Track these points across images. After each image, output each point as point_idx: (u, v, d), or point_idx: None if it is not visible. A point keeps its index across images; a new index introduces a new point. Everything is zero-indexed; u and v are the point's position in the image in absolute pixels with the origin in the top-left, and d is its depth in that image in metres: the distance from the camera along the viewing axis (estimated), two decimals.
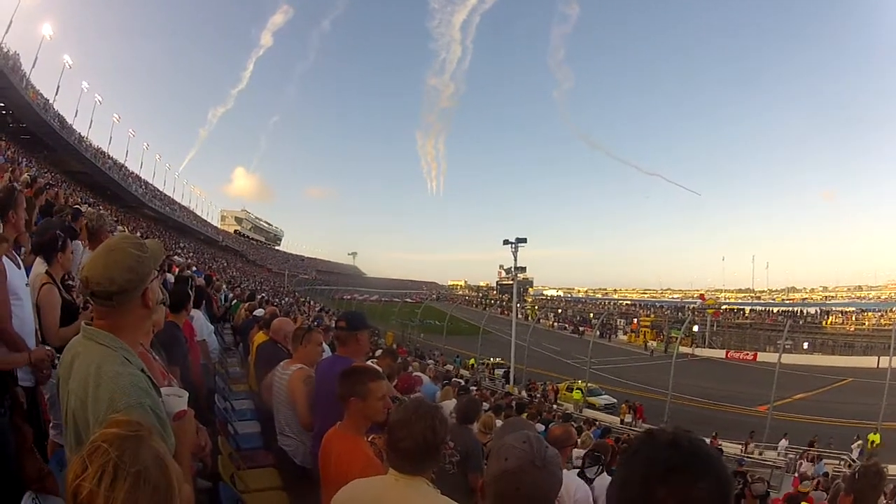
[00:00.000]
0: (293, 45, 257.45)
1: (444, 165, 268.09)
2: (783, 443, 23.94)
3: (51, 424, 4.35)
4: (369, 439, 3.64)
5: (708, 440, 23.87)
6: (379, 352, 9.78)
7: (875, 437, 24.30)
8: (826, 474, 17.56)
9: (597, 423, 27.17)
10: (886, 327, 60.33)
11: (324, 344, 6.11)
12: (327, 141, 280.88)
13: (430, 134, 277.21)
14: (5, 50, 47.94)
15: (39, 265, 4.86)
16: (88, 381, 2.15)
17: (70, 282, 5.17)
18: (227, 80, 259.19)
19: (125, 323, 2.35)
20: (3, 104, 50.14)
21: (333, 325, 6.66)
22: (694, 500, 1.25)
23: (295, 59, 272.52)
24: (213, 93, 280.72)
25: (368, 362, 6.55)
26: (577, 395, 35.47)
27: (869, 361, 48.44)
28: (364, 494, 2.82)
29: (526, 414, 15.64)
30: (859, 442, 24.89)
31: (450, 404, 8.84)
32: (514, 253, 44.54)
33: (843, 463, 22.47)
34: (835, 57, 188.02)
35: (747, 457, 23.55)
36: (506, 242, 44.66)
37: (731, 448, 24.31)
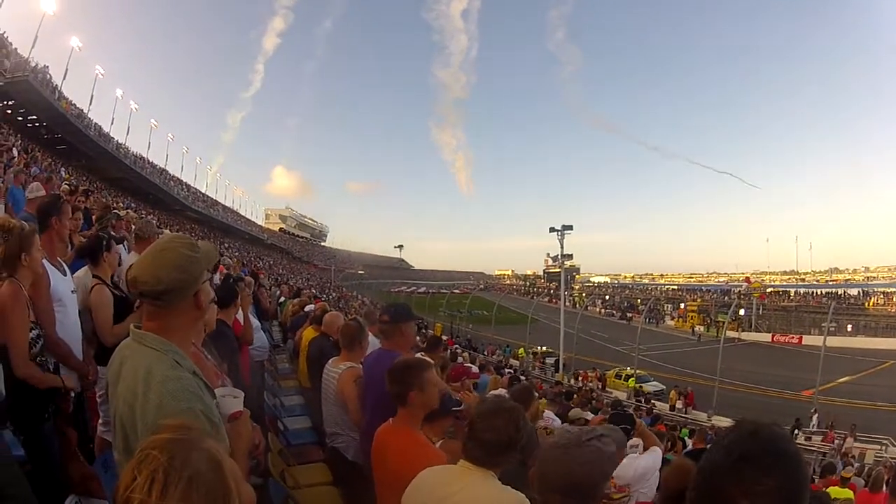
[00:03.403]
0: (300, 45, 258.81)
1: (472, 155, 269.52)
2: None
3: (100, 421, 4.39)
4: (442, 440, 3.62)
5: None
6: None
7: None
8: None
9: (653, 406, 27.12)
10: None
11: (371, 336, 6.09)
12: (358, 136, 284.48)
13: (451, 124, 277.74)
14: (34, 64, 48.99)
15: (83, 273, 4.93)
16: (137, 386, 2.12)
17: (117, 279, 5.23)
18: (240, 85, 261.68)
19: (176, 324, 2.31)
20: (35, 116, 51.10)
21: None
22: (759, 495, 1.29)
23: (305, 59, 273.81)
24: (231, 97, 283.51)
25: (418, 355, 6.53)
26: (631, 382, 35.57)
27: None
28: (435, 484, 2.82)
29: (574, 401, 15.58)
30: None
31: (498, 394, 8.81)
32: (561, 240, 44.17)
33: (883, 447, 22.19)
34: (871, 29, 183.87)
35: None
36: (552, 230, 44.28)
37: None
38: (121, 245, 7.07)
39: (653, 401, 30.93)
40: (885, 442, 22.99)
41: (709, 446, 1.50)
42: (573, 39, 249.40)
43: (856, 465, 17.98)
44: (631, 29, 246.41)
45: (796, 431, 24.25)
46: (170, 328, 2.29)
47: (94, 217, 10.81)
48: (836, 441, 22.95)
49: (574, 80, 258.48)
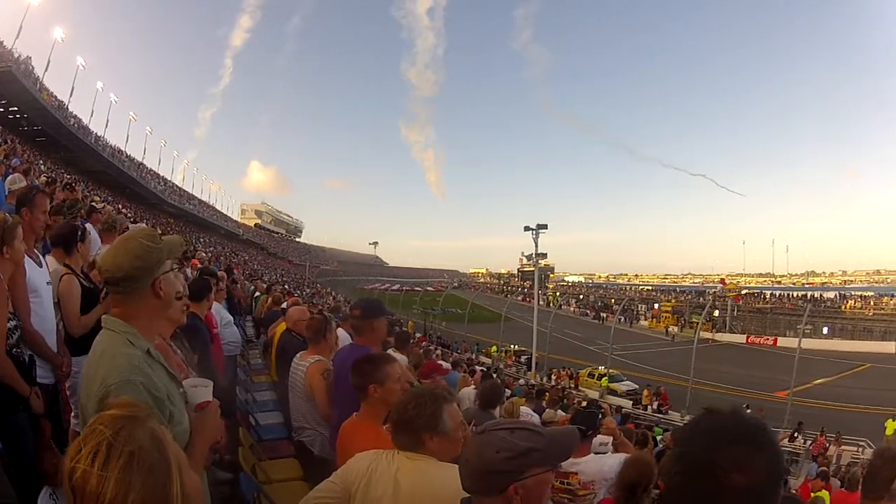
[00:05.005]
0: (268, 42, 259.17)
1: (446, 154, 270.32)
2: None
3: (73, 413, 4.39)
4: (385, 427, 3.63)
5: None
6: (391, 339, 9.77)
7: (893, 424, 24.22)
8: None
9: (622, 409, 27.26)
10: None
11: (340, 331, 6.11)
12: (332, 133, 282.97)
13: (421, 122, 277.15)
14: (16, 55, 48.76)
15: (54, 262, 4.91)
16: (91, 364, 2.26)
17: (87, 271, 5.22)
18: (210, 81, 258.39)
19: (137, 311, 2.40)
20: (16, 108, 51.05)
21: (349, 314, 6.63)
22: (754, 470, 1.36)
23: (274, 55, 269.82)
24: (202, 92, 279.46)
25: (389, 351, 6.55)
26: (604, 382, 35.61)
27: (887, 346, 48.82)
28: (383, 468, 2.81)
29: (545, 399, 15.63)
30: (749, 410, 25.17)
31: (468, 391, 8.86)
32: (535, 239, 44.05)
33: (860, 449, 22.40)
34: (857, 32, 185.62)
35: None
36: (527, 229, 44.12)
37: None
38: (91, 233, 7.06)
39: (622, 405, 31.13)
40: (862, 444, 23.26)
41: (682, 434, 1.56)
42: (540, 39, 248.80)
43: (832, 466, 18.19)
44: (602, 29, 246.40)
45: (795, 434, 24.45)
46: (131, 315, 2.40)
47: (67, 206, 10.77)
48: (830, 445, 23.13)
49: (544, 79, 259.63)
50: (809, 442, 23.50)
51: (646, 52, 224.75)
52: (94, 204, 13.17)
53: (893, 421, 24.32)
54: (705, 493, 1.38)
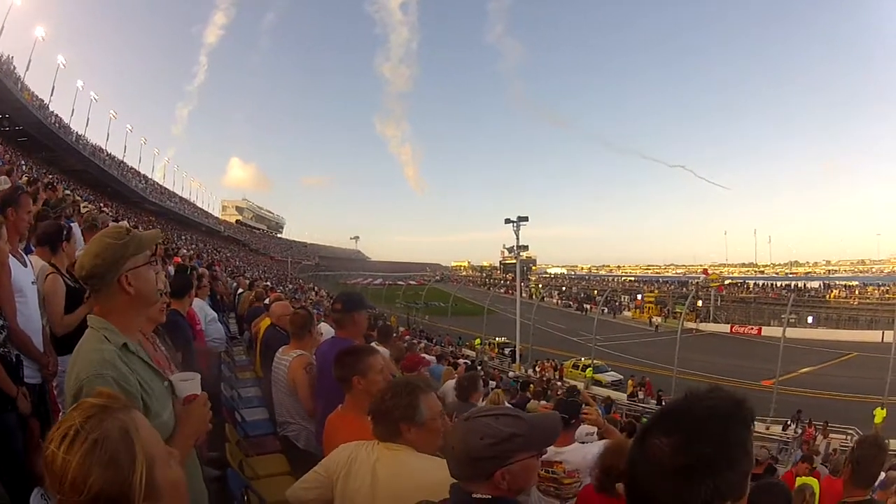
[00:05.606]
0: (243, 38, 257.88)
1: (425, 148, 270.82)
2: None
3: (60, 414, 4.40)
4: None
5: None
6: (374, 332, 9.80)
7: (881, 412, 24.37)
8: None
9: (609, 398, 27.31)
10: (890, 301, 60.69)
11: (323, 325, 6.12)
12: (312, 129, 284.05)
13: (398, 117, 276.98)
14: None
15: (38, 262, 4.91)
16: (70, 361, 2.34)
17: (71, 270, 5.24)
18: (185, 78, 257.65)
19: (111, 307, 2.45)
20: None
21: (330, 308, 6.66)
22: (660, 451, 1.29)
23: (249, 51, 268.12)
24: (179, 89, 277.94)
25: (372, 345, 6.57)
26: (589, 372, 35.75)
27: (873, 335, 48.21)
28: (362, 459, 2.88)
29: (530, 391, 15.69)
30: None
31: (452, 384, 8.91)
32: (517, 232, 44.12)
33: (848, 437, 22.52)
34: (835, 27, 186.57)
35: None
36: (507, 221, 44.23)
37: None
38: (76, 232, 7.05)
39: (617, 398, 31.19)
40: (850, 432, 23.19)
41: None
42: (513, 33, 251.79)
43: (822, 453, 18.29)
44: (577, 22, 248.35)
45: (788, 423, 24.65)
46: (108, 311, 2.46)
47: (52, 205, 10.75)
48: (817, 435, 23.20)
49: (519, 73, 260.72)
50: (801, 431, 23.66)
51: (624, 46, 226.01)
52: (78, 204, 13.15)
53: (882, 409, 24.48)
54: (638, 469, 1.34)
